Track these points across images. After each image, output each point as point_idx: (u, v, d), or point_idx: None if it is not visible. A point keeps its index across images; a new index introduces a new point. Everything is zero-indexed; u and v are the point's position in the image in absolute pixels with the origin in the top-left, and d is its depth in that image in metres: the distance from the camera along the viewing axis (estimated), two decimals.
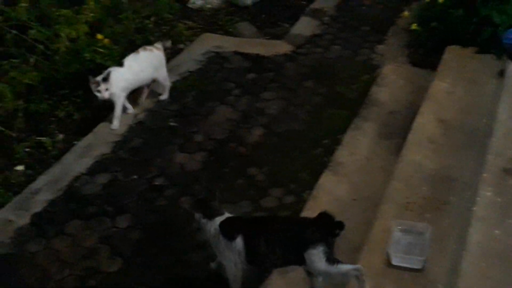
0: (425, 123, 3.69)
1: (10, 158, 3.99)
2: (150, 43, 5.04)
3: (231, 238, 2.70)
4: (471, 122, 3.66)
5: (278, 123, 4.24)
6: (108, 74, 4.04)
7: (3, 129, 4.13)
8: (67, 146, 4.11)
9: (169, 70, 4.83)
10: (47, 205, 3.55)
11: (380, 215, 3.04)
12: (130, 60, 4.25)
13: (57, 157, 3.99)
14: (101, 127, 4.21)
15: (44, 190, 3.67)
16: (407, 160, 3.40)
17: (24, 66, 4.47)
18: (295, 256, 2.60)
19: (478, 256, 2.57)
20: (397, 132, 3.89)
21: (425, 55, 4.76)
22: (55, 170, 3.85)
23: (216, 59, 5.06)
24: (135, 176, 3.78)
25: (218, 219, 2.77)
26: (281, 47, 5.21)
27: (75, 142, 4.12)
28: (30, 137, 4.17)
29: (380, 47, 5.13)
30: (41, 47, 4.55)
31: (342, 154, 3.84)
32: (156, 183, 3.73)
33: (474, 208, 2.80)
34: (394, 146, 3.75)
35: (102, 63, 4.39)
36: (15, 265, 3.17)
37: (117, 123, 4.18)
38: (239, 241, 2.68)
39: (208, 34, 5.51)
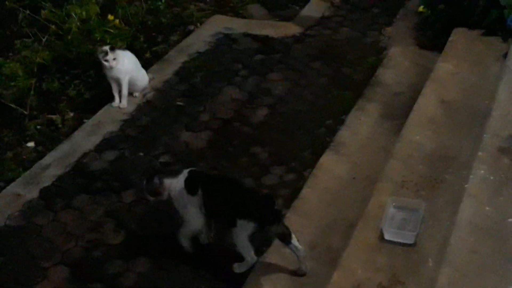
0: (426, 103, 3.74)
1: (22, 135, 4.12)
2: (161, 25, 5.16)
3: (194, 193, 2.94)
4: (473, 103, 3.70)
5: (283, 104, 4.31)
6: (114, 46, 4.14)
7: (15, 106, 4.27)
8: (77, 124, 4.22)
9: (180, 51, 4.95)
10: (55, 180, 3.67)
11: (376, 192, 3.11)
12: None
13: (67, 135, 4.10)
14: (110, 106, 4.32)
15: (53, 165, 3.79)
16: (406, 139, 3.47)
17: (37, 45, 4.60)
18: (232, 219, 2.85)
19: (467, 232, 2.63)
20: (400, 113, 3.94)
21: (432, 38, 4.78)
22: (65, 147, 3.97)
23: (226, 40, 5.13)
24: (141, 153, 3.89)
25: (182, 177, 2.99)
26: (290, 29, 5.27)
27: (85, 120, 4.23)
28: (42, 115, 4.30)
29: (388, 29, 5.16)
30: (53, 27, 4.67)
31: (345, 134, 3.91)
32: (162, 160, 3.83)
33: (467, 186, 2.86)
34: (397, 127, 3.80)
35: (112, 44, 4.50)
36: (24, 237, 3.29)
37: (125, 101, 4.29)
38: (200, 195, 2.92)
39: (218, 15, 5.58)
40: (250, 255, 2.91)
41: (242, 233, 2.83)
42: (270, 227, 2.82)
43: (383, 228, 2.82)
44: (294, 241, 2.85)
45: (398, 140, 3.47)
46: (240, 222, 2.81)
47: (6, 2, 4.57)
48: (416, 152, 3.35)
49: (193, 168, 3.10)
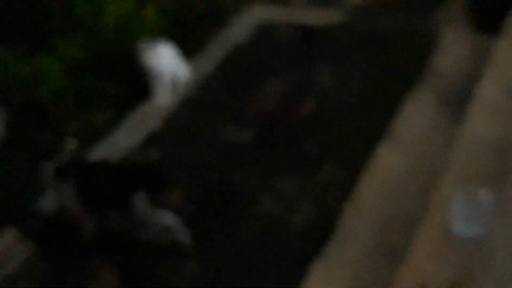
0: (487, 90, 3.69)
1: (62, 134, 4.19)
2: (199, 17, 5.19)
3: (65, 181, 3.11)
4: None
5: (331, 95, 4.31)
6: (154, 43, 4.19)
7: (54, 105, 4.35)
8: (117, 121, 4.29)
9: (219, 43, 4.98)
10: None
11: (439, 185, 3.08)
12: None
13: (107, 133, 4.17)
14: (151, 103, 4.37)
15: None
16: (468, 129, 3.42)
17: (72, 42, 4.67)
18: (121, 200, 3.03)
19: None
20: (457, 101, 3.90)
21: (487, 20, 4.72)
22: (106, 146, 4.02)
23: (266, 30, 5.15)
24: (185, 150, 3.93)
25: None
26: (334, 17, 5.25)
27: (125, 118, 4.30)
28: (80, 114, 4.37)
29: (438, 13, 5.11)
30: (88, 22, 4.74)
31: (399, 125, 3.88)
32: (206, 157, 3.86)
33: None
34: (455, 116, 3.76)
35: (149, 38, 4.55)
36: None
37: (166, 97, 4.34)
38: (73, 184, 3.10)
39: (258, 5, 5.59)
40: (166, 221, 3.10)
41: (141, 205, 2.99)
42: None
43: (450, 221, 2.80)
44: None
45: (459, 130, 3.44)
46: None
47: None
48: (480, 142, 3.30)
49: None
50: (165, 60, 4.29)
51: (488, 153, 3.23)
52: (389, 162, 3.61)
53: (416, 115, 3.95)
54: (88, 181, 3.15)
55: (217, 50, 4.92)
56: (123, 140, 4.05)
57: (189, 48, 4.96)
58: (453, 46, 4.58)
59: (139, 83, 4.50)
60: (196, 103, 4.37)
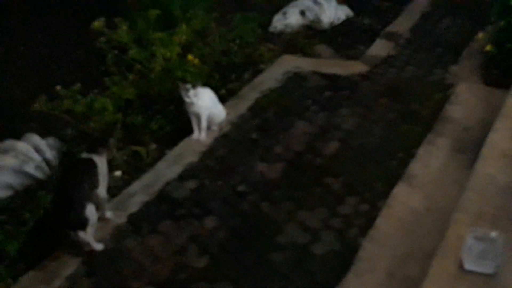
0: (499, 138, 3.67)
1: (110, 165, 4.24)
2: (235, 64, 5.28)
3: None
4: None
5: (354, 137, 4.32)
6: (196, 84, 4.27)
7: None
8: (160, 155, 4.33)
9: (252, 88, 5.04)
10: (142, 206, 3.75)
11: (453, 223, 3.04)
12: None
13: (151, 165, 4.21)
14: (190, 139, 4.43)
15: (139, 193, 3.89)
16: (480, 172, 3.39)
17: (123, 82, 4.76)
18: None
19: None
20: (471, 147, 3.89)
21: (499, 76, 4.73)
22: (149, 176, 4.07)
23: (295, 78, 5.21)
24: (220, 182, 3.95)
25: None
26: (357, 67, 5.31)
27: (167, 152, 4.35)
28: (127, 146, 4.43)
29: (454, 68, 5.14)
30: (139, 66, 4.85)
31: (416, 167, 3.87)
32: (239, 189, 3.88)
33: None
34: (467, 160, 3.74)
35: (192, 82, 4.63)
36: (114, 259, 3.37)
37: (204, 134, 4.40)
38: None
39: (287, 55, 5.67)
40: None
41: None
42: None
43: (463, 258, 2.76)
44: None
45: (472, 173, 3.41)
46: None
47: (98, 43, 4.77)
48: (491, 184, 3.27)
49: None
50: (204, 102, 4.36)
51: (499, 195, 3.19)
52: (406, 200, 3.59)
53: (431, 158, 3.93)
54: None
55: (251, 93, 4.99)
56: (164, 172, 4.10)
57: (225, 91, 5.05)
58: (467, 97, 4.57)
59: (181, 121, 4.57)
60: (230, 141, 4.42)
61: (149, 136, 4.54)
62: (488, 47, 4.83)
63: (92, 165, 3.46)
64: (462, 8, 6.42)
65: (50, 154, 4.16)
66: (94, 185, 3.44)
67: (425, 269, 2.83)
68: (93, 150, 3.53)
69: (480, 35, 5.42)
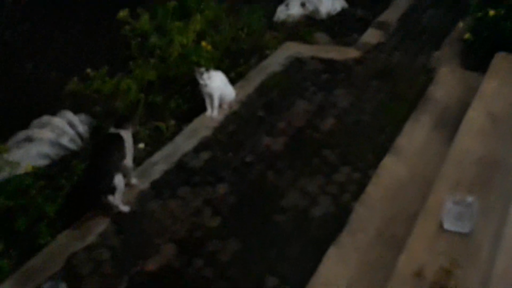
0: (475, 116, 3.66)
1: (134, 138, 4.23)
2: (243, 50, 5.24)
3: None
4: None
5: (348, 114, 4.30)
6: (209, 68, 4.25)
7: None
8: (177, 130, 4.32)
9: (258, 71, 5.02)
10: (162, 174, 3.77)
11: (434, 190, 3.06)
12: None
13: (170, 138, 4.21)
14: (204, 116, 4.43)
15: (160, 162, 3.90)
16: (459, 145, 3.40)
17: (146, 66, 4.75)
18: None
19: None
20: (450, 124, 3.87)
21: (476, 61, 4.67)
22: (169, 148, 4.08)
23: (296, 62, 5.17)
24: (230, 154, 3.96)
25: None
26: (351, 53, 5.25)
27: (184, 127, 4.35)
28: (149, 122, 4.44)
29: (436, 53, 5.08)
30: (159, 51, 4.83)
31: (402, 141, 3.87)
32: (247, 160, 3.89)
33: None
34: (448, 135, 3.72)
35: (205, 65, 4.61)
36: (139, 219, 3.41)
37: (216, 112, 4.39)
38: None
39: (289, 42, 5.61)
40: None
41: None
42: None
43: (443, 219, 2.78)
44: None
45: (451, 146, 3.41)
46: None
47: (123, 30, 4.74)
48: (468, 156, 3.28)
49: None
50: (216, 83, 4.34)
51: (475, 166, 3.20)
52: (393, 169, 3.60)
53: (416, 133, 3.92)
54: None
55: (257, 76, 4.96)
56: (181, 144, 4.11)
57: (234, 74, 5.02)
58: (448, 80, 4.53)
59: (196, 100, 4.57)
60: (239, 117, 4.41)
61: (168, 113, 4.54)
62: (467, 36, 4.77)
63: (120, 139, 3.47)
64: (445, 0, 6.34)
65: (82, 129, 4.17)
66: (122, 156, 3.46)
67: (409, 229, 2.86)
68: (120, 125, 3.54)
69: (460, 24, 5.35)
